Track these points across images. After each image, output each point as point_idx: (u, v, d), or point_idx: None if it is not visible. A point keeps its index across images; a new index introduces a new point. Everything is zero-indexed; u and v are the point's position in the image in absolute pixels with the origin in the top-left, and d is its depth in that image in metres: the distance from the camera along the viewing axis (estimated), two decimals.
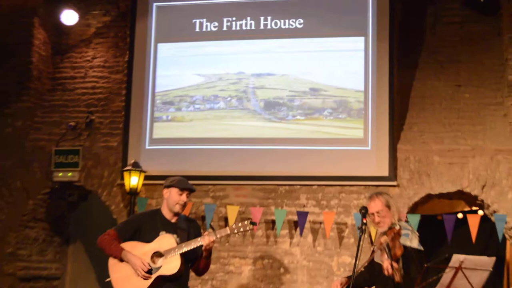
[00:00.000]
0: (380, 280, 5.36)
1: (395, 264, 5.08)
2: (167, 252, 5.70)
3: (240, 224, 5.74)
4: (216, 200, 7.97)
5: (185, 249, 5.66)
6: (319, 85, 8.29)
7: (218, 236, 5.69)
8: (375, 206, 5.53)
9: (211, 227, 5.94)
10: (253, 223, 5.73)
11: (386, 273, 5.17)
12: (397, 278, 5.10)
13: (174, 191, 5.83)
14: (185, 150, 8.27)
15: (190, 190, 5.89)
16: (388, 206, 5.52)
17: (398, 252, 5.20)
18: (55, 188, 8.46)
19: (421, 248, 5.45)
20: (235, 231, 5.74)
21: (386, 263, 5.19)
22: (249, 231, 6.07)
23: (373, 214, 5.54)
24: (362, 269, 5.70)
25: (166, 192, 5.90)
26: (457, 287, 5.32)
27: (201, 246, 5.71)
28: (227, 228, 5.81)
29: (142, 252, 5.76)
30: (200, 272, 6.01)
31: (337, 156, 7.91)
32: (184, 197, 5.81)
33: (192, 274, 6.05)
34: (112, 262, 5.75)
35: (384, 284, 5.35)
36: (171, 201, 5.84)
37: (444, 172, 7.51)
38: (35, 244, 8.82)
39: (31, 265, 8.77)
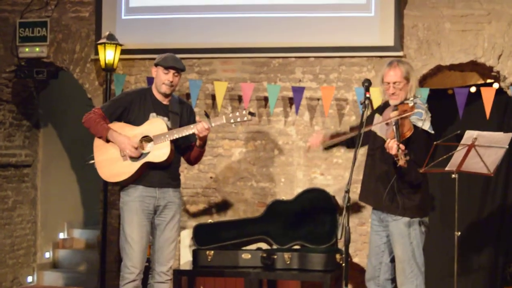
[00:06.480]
0: (378, 154, 5.53)
1: (401, 146, 5.10)
2: (156, 138, 5.81)
3: (237, 114, 5.85)
4: (201, 76, 7.84)
5: (176, 136, 5.81)
6: None
7: (213, 124, 5.81)
8: (395, 75, 5.56)
9: (206, 114, 6.08)
10: (251, 114, 5.87)
11: (389, 152, 5.25)
12: (402, 162, 5.16)
13: (160, 70, 5.92)
14: (166, 19, 7.96)
15: (176, 69, 5.94)
16: (407, 79, 5.58)
17: (408, 133, 5.28)
18: (21, 66, 8.31)
19: (432, 131, 5.54)
20: (232, 120, 5.85)
21: (392, 143, 5.25)
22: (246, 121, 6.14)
23: (388, 83, 5.56)
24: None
25: (154, 71, 6.00)
26: (469, 166, 5.57)
27: (194, 133, 5.83)
28: (223, 116, 5.92)
29: (130, 135, 5.93)
30: (192, 162, 6.25)
31: (337, 24, 7.60)
32: (169, 77, 5.90)
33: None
34: (98, 143, 5.89)
35: (383, 160, 5.49)
36: (158, 80, 5.94)
37: (456, 41, 7.36)
38: (2, 129, 8.74)
39: None
